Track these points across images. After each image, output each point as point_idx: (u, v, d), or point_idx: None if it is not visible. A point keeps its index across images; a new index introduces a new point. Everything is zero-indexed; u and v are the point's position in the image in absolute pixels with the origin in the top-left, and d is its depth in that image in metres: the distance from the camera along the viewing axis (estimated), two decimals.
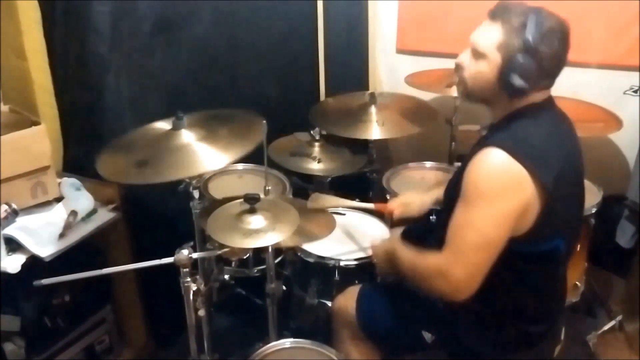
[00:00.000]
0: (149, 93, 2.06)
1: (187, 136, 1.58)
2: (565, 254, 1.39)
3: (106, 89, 1.92)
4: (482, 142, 1.32)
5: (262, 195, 1.47)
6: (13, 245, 1.63)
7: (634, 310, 2.09)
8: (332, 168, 2.16)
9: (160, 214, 2.12)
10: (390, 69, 2.67)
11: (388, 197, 2.04)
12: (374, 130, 2.14)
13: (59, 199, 1.82)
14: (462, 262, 1.26)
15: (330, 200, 1.86)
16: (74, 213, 1.74)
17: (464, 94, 1.40)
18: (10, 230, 1.64)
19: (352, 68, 2.70)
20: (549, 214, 1.26)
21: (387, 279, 1.72)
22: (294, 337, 1.62)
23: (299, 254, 1.87)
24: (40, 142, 1.73)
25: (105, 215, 1.84)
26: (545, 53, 1.23)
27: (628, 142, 2.22)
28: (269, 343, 1.61)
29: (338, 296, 1.71)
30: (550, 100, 1.36)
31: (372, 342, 1.63)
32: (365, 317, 1.59)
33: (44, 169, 1.76)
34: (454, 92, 2.10)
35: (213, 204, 1.62)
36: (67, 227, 1.71)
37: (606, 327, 2.16)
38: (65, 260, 1.66)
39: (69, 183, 1.85)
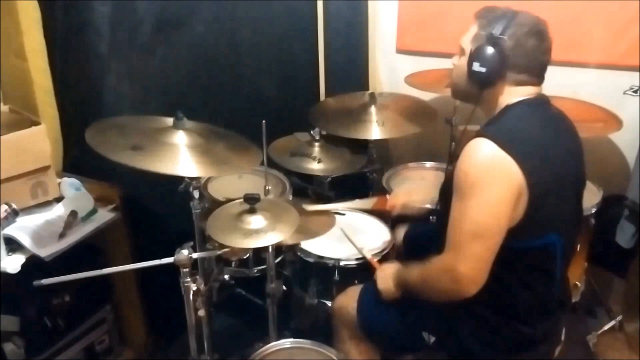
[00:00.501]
0: (149, 93, 2.06)
1: (185, 138, 1.56)
2: (563, 251, 1.39)
3: (106, 89, 1.92)
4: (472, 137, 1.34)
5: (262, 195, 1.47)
6: (13, 245, 1.63)
7: (634, 310, 2.09)
8: (332, 168, 2.16)
9: (160, 214, 2.13)
10: (390, 69, 2.67)
11: (388, 197, 2.04)
12: (374, 130, 2.14)
13: (59, 199, 1.82)
14: (463, 256, 1.27)
15: (327, 207, 1.87)
16: (74, 213, 1.74)
17: (453, 93, 1.49)
18: (10, 230, 1.64)
19: (352, 68, 2.70)
20: (539, 206, 1.27)
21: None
22: (294, 337, 1.63)
23: (298, 254, 1.87)
24: (40, 142, 1.73)
25: (105, 215, 1.84)
26: (507, 43, 1.30)
27: (628, 142, 2.22)
28: (269, 343, 1.61)
29: (338, 296, 1.71)
30: (542, 98, 1.38)
31: (372, 342, 1.63)
32: (366, 317, 1.59)
33: (44, 169, 1.76)
34: None
35: (213, 205, 1.62)
36: (67, 227, 1.71)
37: (606, 327, 2.16)
38: (65, 260, 1.66)
39: (69, 183, 1.85)
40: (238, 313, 2.27)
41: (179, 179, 1.65)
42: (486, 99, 1.39)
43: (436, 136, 2.39)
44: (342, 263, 1.80)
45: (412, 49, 2.59)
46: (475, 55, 1.33)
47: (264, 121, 1.57)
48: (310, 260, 1.83)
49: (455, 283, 1.29)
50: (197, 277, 1.38)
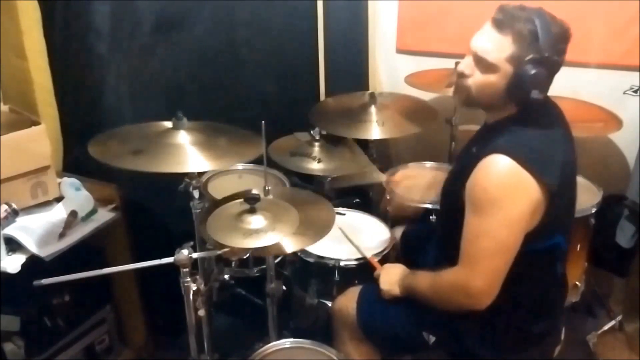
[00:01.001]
0: (149, 93, 2.06)
1: (187, 137, 1.59)
2: (565, 251, 1.41)
3: (106, 89, 1.92)
4: (482, 146, 1.32)
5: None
6: (13, 245, 1.63)
7: (634, 310, 2.09)
8: (332, 168, 2.16)
9: (160, 214, 2.12)
10: (390, 69, 2.67)
11: (388, 197, 2.04)
12: (374, 130, 2.14)
13: (59, 199, 1.82)
14: (480, 272, 1.27)
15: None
16: (74, 213, 1.75)
17: (465, 101, 1.38)
18: (10, 230, 1.64)
19: (352, 68, 2.70)
20: (553, 213, 1.27)
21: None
22: (294, 337, 1.63)
23: (298, 254, 1.87)
24: (40, 142, 1.73)
25: (105, 215, 1.84)
26: (556, 60, 1.25)
27: (628, 142, 2.22)
28: (269, 343, 1.61)
29: (339, 296, 1.71)
30: (544, 98, 1.36)
31: (372, 342, 1.63)
32: (366, 317, 1.59)
33: (44, 169, 1.76)
34: None
35: (212, 205, 1.61)
36: (67, 227, 1.71)
37: (606, 327, 2.16)
38: (65, 260, 1.66)
39: (69, 183, 1.85)
40: (238, 313, 2.27)
41: (178, 180, 1.65)
42: (504, 108, 1.35)
43: (436, 136, 2.39)
44: (342, 263, 1.80)
45: (412, 49, 2.59)
46: (525, 78, 1.24)
47: (263, 121, 1.57)
48: (310, 260, 1.83)
49: (469, 297, 1.30)
50: (197, 277, 1.38)
